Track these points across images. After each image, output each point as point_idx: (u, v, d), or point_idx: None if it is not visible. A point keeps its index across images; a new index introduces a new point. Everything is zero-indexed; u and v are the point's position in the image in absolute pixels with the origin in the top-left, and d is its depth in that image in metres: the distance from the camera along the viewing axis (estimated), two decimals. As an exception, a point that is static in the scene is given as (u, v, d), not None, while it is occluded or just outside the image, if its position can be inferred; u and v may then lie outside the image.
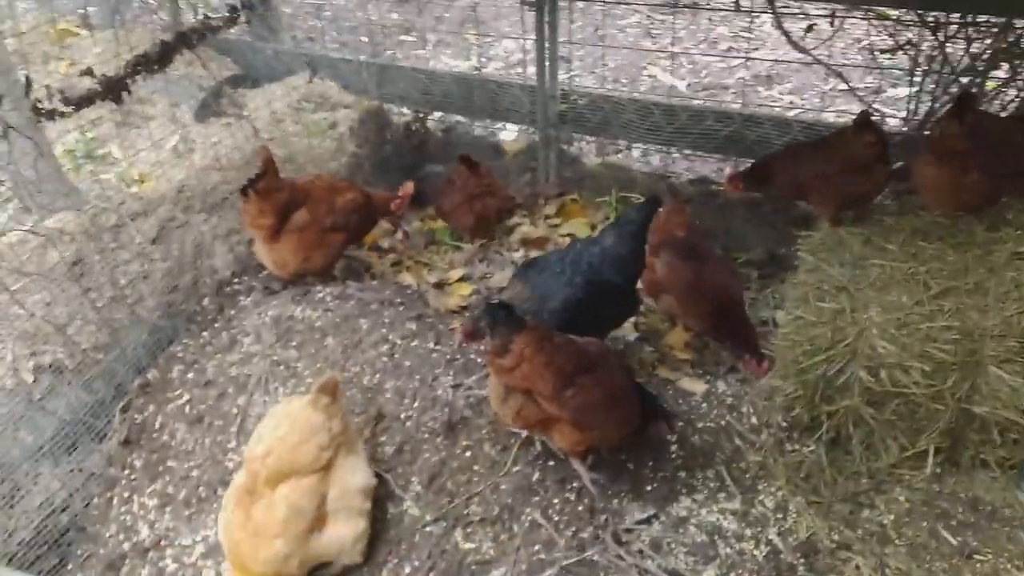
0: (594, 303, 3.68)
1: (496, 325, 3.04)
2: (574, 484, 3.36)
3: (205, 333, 4.19)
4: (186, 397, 3.86)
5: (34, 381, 3.64)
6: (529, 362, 3.00)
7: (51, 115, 3.64)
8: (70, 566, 3.41)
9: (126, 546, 3.41)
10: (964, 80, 4.62)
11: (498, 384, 3.15)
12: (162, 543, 3.40)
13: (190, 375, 3.95)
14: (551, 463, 3.42)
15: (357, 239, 4.77)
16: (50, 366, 3.68)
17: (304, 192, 4.34)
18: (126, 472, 3.65)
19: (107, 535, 3.46)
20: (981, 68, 4.56)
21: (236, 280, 4.52)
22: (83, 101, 3.67)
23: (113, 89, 3.76)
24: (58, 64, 6.40)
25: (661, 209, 4.00)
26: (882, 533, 3.30)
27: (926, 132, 4.40)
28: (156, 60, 3.95)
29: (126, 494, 3.57)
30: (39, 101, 3.60)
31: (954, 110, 3.71)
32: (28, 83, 3.57)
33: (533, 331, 3.02)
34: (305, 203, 4.30)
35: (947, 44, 4.53)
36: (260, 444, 3.01)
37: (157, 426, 3.78)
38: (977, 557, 3.20)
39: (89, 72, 3.65)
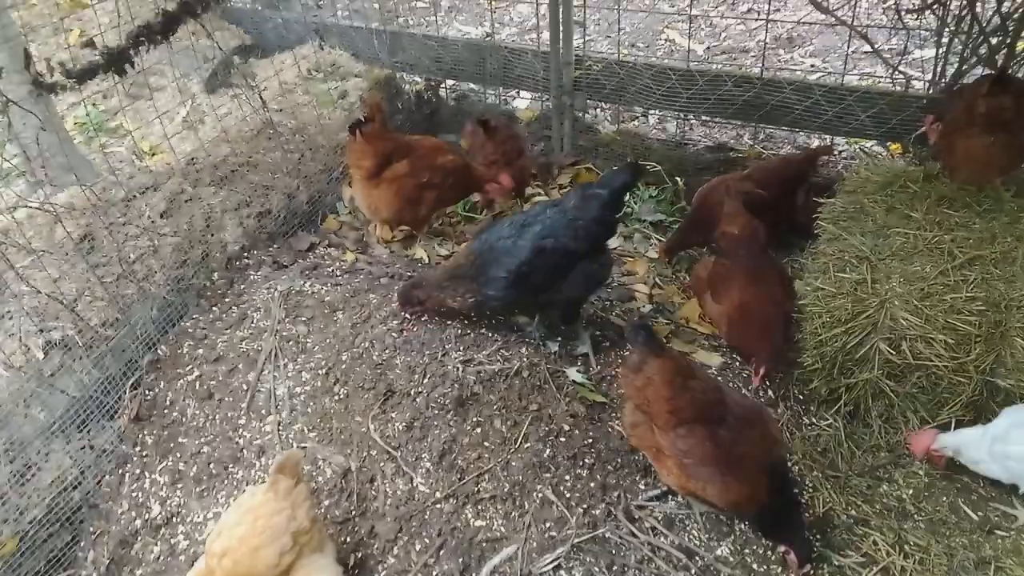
0: (547, 270, 3.54)
1: (635, 343, 2.98)
2: (585, 460, 3.31)
3: (215, 308, 4.15)
4: (196, 373, 3.83)
5: (44, 358, 3.62)
6: (655, 388, 2.94)
7: (52, 88, 3.58)
8: (82, 543, 3.41)
9: (138, 523, 3.41)
10: (993, 41, 4.44)
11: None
12: (174, 520, 3.39)
13: (200, 351, 3.92)
14: (562, 439, 3.37)
15: (450, 202, 4.87)
16: (60, 343, 3.66)
17: (408, 147, 4.52)
18: (137, 449, 3.64)
19: (119, 512, 3.46)
20: (1012, 27, 4.38)
21: (246, 254, 4.48)
22: (85, 74, 3.60)
23: (115, 61, 3.69)
24: (68, 36, 6.34)
25: (726, 208, 3.98)
26: (900, 508, 3.25)
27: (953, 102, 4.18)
28: (159, 30, 3.87)
29: (137, 471, 3.57)
30: (40, 75, 3.54)
31: (998, 82, 3.51)
32: (28, 56, 3.50)
33: (670, 361, 2.97)
34: (407, 157, 4.47)
35: (976, 2, 4.35)
36: (218, 540, 2.74)
37: (167, 402, 3.76)
38: (999, 532, 3.14)
39: (91, 43, 3.57)
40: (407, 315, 3.83)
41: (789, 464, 3.33)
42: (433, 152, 4.59)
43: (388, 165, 4.44)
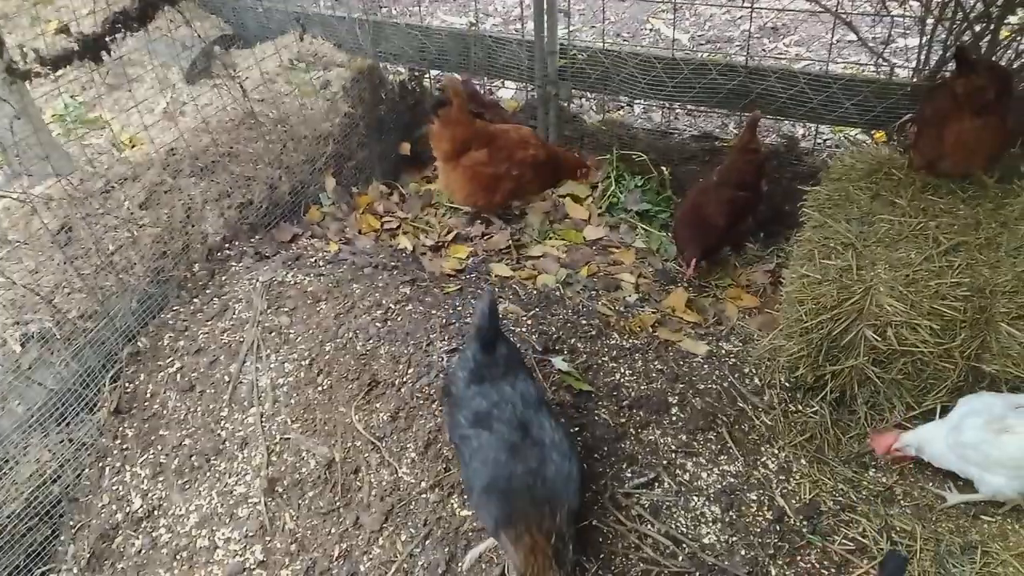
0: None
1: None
2: (572, 449, 3.29)
3: (196, 299, 4.10)
4: (177, 365, 3.79)
5: (22, 350, 3.56)
6: None
7: (26, 75, 3.51)
8: (62, 537, 3.37)
9: (119, 516, 3.37)
10: (977, 28, 4.44)
11: None
12: (155, 513, 3.35)
13: (181, 342, 3.87)
14: (548, 428, 3.35)
15: (534, 193, 4.94)
16: (37, 335, 3.60)
17: (489, 136, 4.61)
18: (117, 442, 3.59)
19: (99, 505, 3.41)
20: (996, 14, 4.37)
21: (227, 245, 4.42)
22: (59, 61, 3.54)
23: (91, 48, 3.62)
24: (46, 26, 6.24)
25: None
26: (887, 494, 3.24)
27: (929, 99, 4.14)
28: (136, 17, 3.80)
29: (118, 464, 3.52)
30: (13, 62, 3.47)
31: (965, 62, 3.52)
32: (0, 43, 3.43)
33: None
34: (489, 145, 4.56)
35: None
36: None
37: (148, 395, 3.72)
38: (984, 518, 3.14)
39: (65, 30, 3.50)
40: None
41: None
42: (516, 145, 4.65)
43: (467, 150, 4.54)
